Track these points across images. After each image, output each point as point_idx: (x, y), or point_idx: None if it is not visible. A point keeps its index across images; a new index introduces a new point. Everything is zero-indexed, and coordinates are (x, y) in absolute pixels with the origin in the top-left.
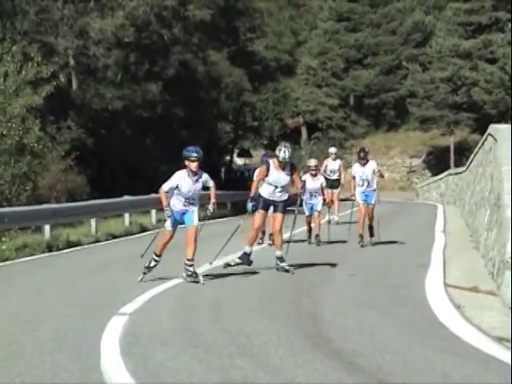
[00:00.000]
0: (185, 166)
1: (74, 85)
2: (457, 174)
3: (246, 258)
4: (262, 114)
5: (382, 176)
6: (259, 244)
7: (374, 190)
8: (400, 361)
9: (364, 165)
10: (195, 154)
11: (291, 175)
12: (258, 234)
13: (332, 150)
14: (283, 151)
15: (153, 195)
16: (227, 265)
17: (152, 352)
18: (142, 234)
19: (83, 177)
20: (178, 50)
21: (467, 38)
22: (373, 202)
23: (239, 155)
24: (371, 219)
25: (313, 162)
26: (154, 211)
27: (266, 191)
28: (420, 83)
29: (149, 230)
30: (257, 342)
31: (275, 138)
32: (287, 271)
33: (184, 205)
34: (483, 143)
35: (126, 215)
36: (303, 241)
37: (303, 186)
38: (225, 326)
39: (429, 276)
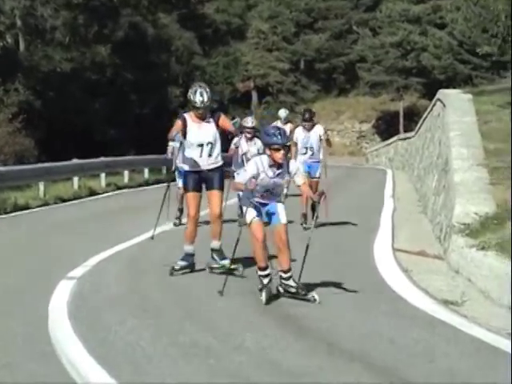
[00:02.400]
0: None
1: (22, 46)
2: (406, 139)
3: (190, 259)
4: (213, 77)
5: (329, 144)
6: (175, 225)
7: (319, 162)
8: (347, 324)
9: (309, 129)
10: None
11: (217, 124)
12: (195, 224)
13: (282, 112)
14: (199, 93)
15: (102, 158)
16: (172, 269)
17: (100, 316)
18: (91, 198)
19: (31, 140)
20: (127, 13)
21: (417, 3)
22: (317, 174)
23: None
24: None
25: (249, 122)
26: (103, 174)
27: (189, 161)
28: (370, 48)
29: (98, 194)
30: (206, 307)
31: (225, 102)
32: (231, 271)
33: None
34: (432, 108)
35: (75, 179)
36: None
37: (237, 135)
38: (174, 290)
39: (377, 240)
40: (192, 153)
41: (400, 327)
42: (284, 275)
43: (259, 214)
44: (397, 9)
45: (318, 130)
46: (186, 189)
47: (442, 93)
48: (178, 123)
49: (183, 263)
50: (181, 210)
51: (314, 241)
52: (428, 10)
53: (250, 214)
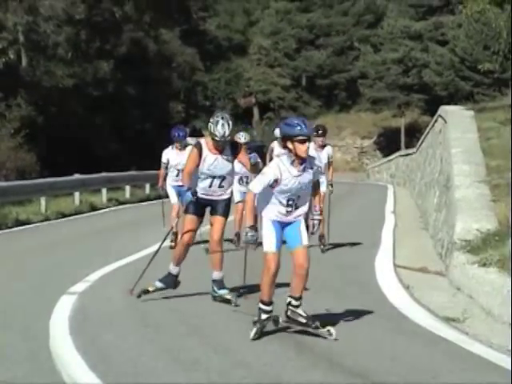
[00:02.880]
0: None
1: (24, 62)
2: (407, 155)
3: (171, 280)
4: (214, 93)
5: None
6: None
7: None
8: (349, 341)
9: (321, 147)
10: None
11: (233, 158)
12: (187, 249)
13: (278, 131)
14: (221, 125)
15: (103, 174)
16: (145, 292)
17: (102, 331)
18: (92, 213)
19: (33, 155)
20: (129, 28)
21: (418, 20)
22: (323, 188)
23: (191, 135)
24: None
25: (242, 138)
26: (104, 190)
27: (198, 187)
28: (371, 64)
29: (99, 209)
30: (208, 322)
31: None
32: (229, 302)
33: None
34: (433, 125)
35: (77, 194)
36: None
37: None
38: (176, 306)
39: (378, 257)
40: (201, 182)
41: (401, 344)
42: (294, 302)
43: (278, 240)
44: (398, 25)
45: (328, 150)
46: (186, 210)
47: (444, 109)
48: (195, 153)
49: (160, 285)
50: (175, 234)
51: (315, 256)
52: (430, 26)
53: (270, 239)
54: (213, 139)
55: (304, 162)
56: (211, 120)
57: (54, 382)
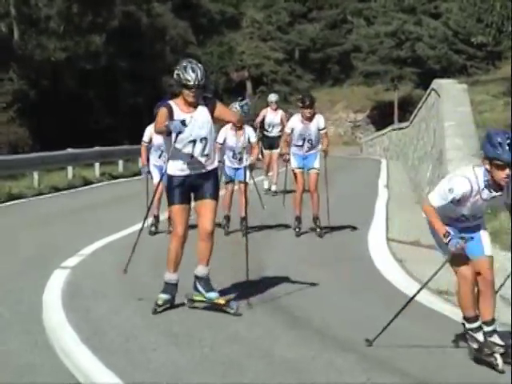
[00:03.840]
0: None
1: (16, 35)
2: (400, 129)
3: (174, 288)
4: (207, 67)
5: (325, 150)
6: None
7: (316, 153)
8: (341, 315)
9: (309, 118)
10: None
11: (211, 113)
12: (182, 246)
13: (272, 97)
14: (191, 68)
15: (96, 148)
16: (155, 310)
17: (94, 305)
18: (85, 188)
19: (25, 129)
20: (121, 1)
21: None
22: (315, 165)
23: None
24: (313, 195)
25: (240, 108)
26: (97, 164)
27: (176, 162)
28: (364, 38)
29: (92, 183)
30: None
31: (220, 91)
32: (221, 309)
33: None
34: (426, 98)
35: (69, 168)
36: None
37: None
38: None
39: (371, 231)
40: (180, 152)
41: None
42: (486, 328)
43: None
44: None
45: (319, 120)
46: (170, 201)
47: (437, 83)
48: (163, 112)
49: (166, 296)
50: (157, 218)
51: (309, 232)
52: None
53: (455, 244)
54: (185, 86)
55: (501, 188)
56: (177, 68)
57: (47, 355)
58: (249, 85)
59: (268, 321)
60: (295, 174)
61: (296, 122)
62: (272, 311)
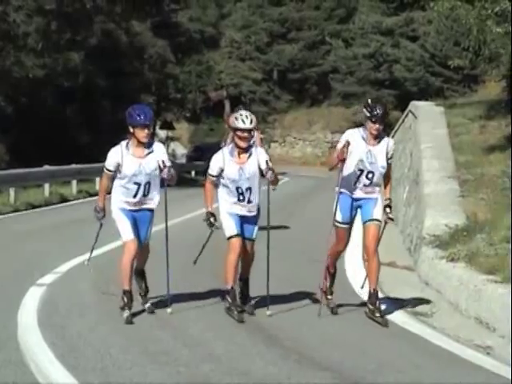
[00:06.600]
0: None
1: None
2: None
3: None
4: (186, 86)
5: (389, 218)
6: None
7: (376, 199)
8: (318, 334)
9: (376, 138)
10: None
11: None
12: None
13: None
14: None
15: (73, 165)
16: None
17: (70, 323)
18: (62, 205)
19: (2, 146)
20: (100, 20)
21: (389, 15)
22: (376, 215)
23: (162, 127)
24: (372, 258)
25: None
26: (74, 181)
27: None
28: (343, 59)
29: (69, 201)
30: (178, 315)
31: (198, 110)
32: None
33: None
34: (403, 120)
35: (46, 185)
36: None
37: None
38: None
39: (348, 251)
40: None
41: (370, 338)
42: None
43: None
44: (370, 21)
45: (388, 144)
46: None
47: (414, 105)
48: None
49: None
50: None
51: (284, 249)
52: (401, 22)
53: None
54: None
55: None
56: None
57: (21, 372)
58: (227, 104)
59: (245, 340)
60: (338, 231)
61: (357, 139)
62: (249, 330)
